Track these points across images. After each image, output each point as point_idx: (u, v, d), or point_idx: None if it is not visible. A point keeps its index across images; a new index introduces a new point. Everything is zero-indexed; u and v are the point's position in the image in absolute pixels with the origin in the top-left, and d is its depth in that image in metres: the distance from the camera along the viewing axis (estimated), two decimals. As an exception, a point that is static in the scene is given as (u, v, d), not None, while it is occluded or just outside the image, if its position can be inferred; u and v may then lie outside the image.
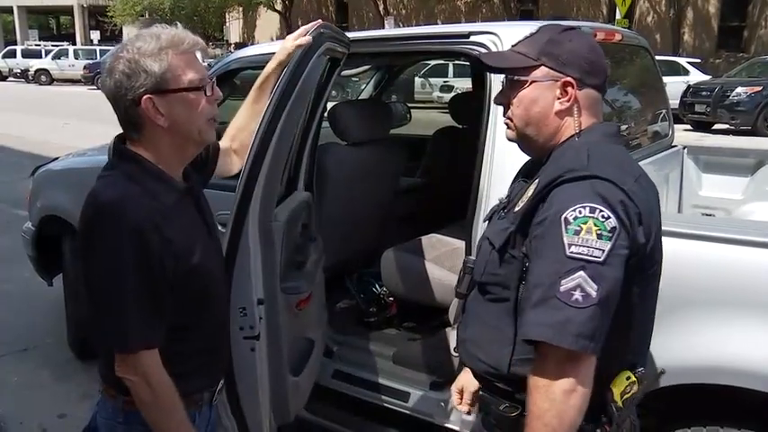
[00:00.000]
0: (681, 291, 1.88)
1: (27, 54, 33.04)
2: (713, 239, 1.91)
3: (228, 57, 3.34)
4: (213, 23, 38.67)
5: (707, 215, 3.45)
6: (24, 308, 4.63)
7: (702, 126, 15.40)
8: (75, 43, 37.96)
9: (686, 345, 1.90)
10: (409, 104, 3.06)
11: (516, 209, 1.40)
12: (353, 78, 11.02)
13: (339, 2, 34.18)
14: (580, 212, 1.22)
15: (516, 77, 1.43)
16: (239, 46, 31.23)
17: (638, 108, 3.45)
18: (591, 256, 1.21)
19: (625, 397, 1.38)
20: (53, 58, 31.55)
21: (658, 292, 1.44)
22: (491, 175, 2.24)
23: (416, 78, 20.12)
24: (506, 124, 1.49)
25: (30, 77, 30.95)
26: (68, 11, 45.28)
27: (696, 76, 17.08)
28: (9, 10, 44.30)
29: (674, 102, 14.72)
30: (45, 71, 31.06)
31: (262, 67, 3.30)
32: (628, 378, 1.39)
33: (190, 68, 1.46)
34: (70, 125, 15.13)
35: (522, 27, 2.30)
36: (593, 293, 1.20)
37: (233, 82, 3.33)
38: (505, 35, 2.30)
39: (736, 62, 20.12)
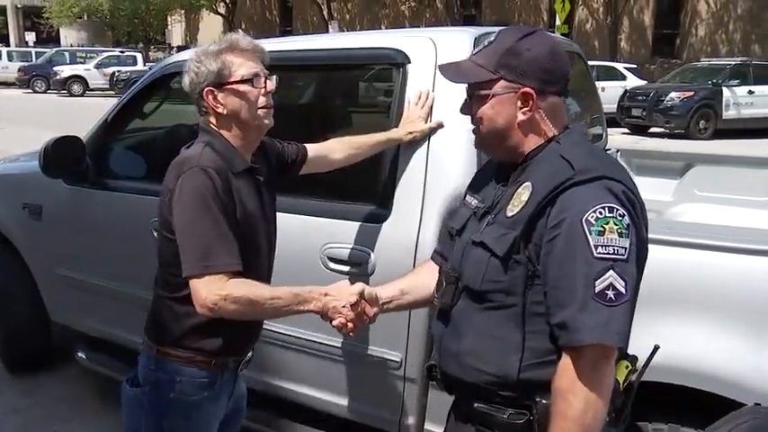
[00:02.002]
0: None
1: (-43, 55, 31.77)
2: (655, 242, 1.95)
3: (166, 60, 3.29)
4: (155, 26, 37.91)
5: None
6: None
7: (639, 130, 15.87)
8: (8, 45, 36.69)
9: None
10: (353, 109, 3.04)
11: (511, 213, 1.39)
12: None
13: (283, 6, 33.99)
14: (601, 213, 1.27)
15: (477, 92, 1.45)
16: (181, 49, 30.71)
17: (575, 112, 3.53)
18: (617, 254, 1.26)
19: (625, 385, 1.44)
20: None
21: None
22: (430, 182, 2.25)
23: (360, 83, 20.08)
24: (473, 132, 1.52)
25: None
26: (2, 11, 43.73)
27: (633, 82, 17.60)
28: None
29: (612, 106, 15.14)
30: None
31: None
32: (627, 367, 1.45)
33: (242, 66, 1.77)
34: (5, 129, 14.63)
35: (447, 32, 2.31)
36: (623, 290, 1.26)
37: (170, 86, 3.27)
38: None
39: (669, 68, 20.81)
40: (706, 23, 23.45)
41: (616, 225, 1.26)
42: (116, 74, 25.15)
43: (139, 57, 28.14)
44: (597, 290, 1.25)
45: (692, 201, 3.48)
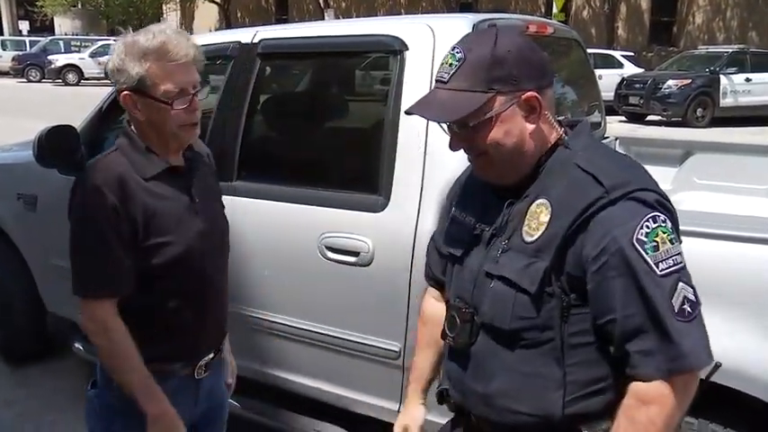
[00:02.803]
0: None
1: (-50, 44, 31.57)
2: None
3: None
4: (150, 15, 37.62)
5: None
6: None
7: (636, 117, 15.85)
8: (2, 33, 36.46)
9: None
10: (350, 98, 3.02)
11: (530, 239, 1.25)
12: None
13: (279, -6, 33.79)
14: (648, 227, 1.16)
15: (475, 121, 1.24)
16: (177, 38, 30.51)
17: (573, 99, 3.51)
18: (678, 264, 1.17)
19: None
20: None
21: None
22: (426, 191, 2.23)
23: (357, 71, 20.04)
24: (476, 161, 1.33)
25: (-45, 69, 29.57)
26: (-5, 0, 43.42)
27: (630, 69, 17.57)
28: None
29: (610, 94, 15.12)
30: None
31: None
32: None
33: (168, 80, 1.56)
34: (-2, 119, 14.55)
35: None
36: (694, 297, 1.18)
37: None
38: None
39: (666, 56, 20.77)
40: (703, 11, 23.39)
41: (665, 233, 1.17)
42: (111, 63, 24.98)
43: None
44: (677, 309, 1.15)
45: (692, 189, 3.46)
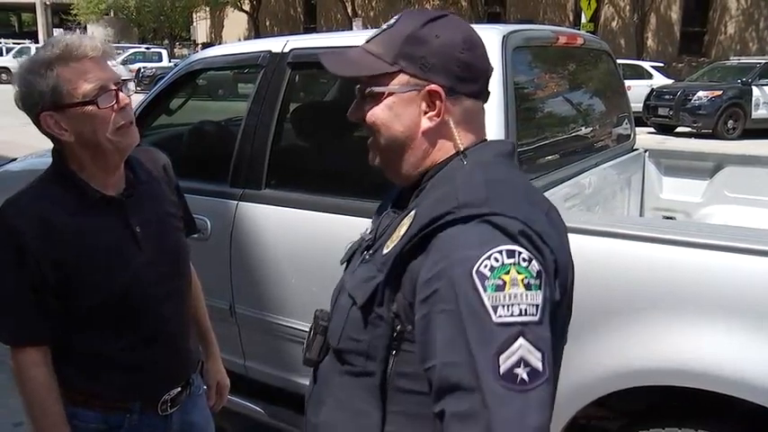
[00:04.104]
0: (644, 294, 1.90)
1: (-13, 52, 32.31)
2: (674, 243, 1.93)
3: (191, 57, 3.30)
4: (180, 23, 38.26)
5: (667, 218, 3.50)
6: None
7: (665, 129, 15.66)
8: (37, 41, 37.21)
9: (650, 347, 1.92)
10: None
11: (386, 251, 1.06)
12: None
13: (307, 3, 34.06)
14: (497, 260, 0.92)
15: (370, 90, 1.10)
16: (206, 46, 30.94)
17: (602, 111, 3.49)
18: (526, 314, 0.91)
19: None
20: (15, 56, 30.84)
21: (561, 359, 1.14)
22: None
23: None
24: (369, 144, 1.16)
25: (-10, 76, 30.24)
26: (31, 8, 44.36)
27: (659, 80, 17.38)
28: None
29: (638, 105, 14.96)
30: (6, 69, 30.30)
31: (225, 69, 3.31)
32: None
33: (82, 80, 1.42)
34: (29, 125, 14.80)
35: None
36: (539, 364, 0.90)
37: (195, 82, 3.29)
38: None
39: (697, 66, 20.51)
40: (735, 21, 23.07)
41: (520, 274, 0.91)
42: (141, 70, 25.38)
43: (164, 53, 28.40)
44: (503, 369, 0.88)
45: (723, 202, 3.42)
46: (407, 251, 1.01)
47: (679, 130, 15.60)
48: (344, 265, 1.26)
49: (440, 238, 0.98)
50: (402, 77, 1.08)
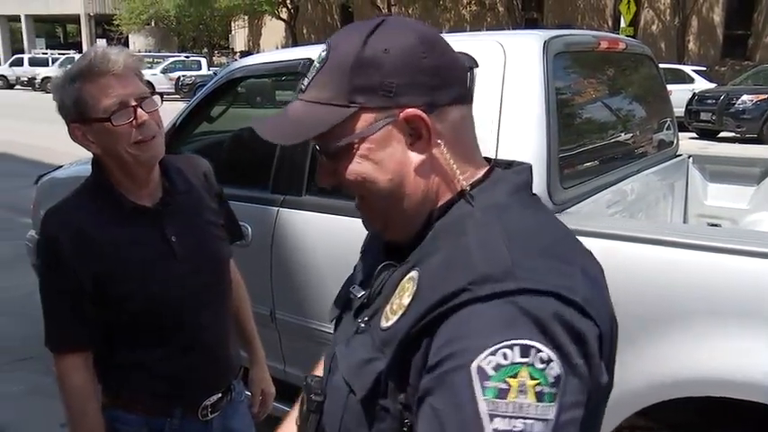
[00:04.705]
0: (688, 302, 1.86)
1: (34, 62, 33.24)
2: (719, 250, 1.89)
3: (232, 65, 3.35)
4: (219, 31, 38.86)
5: (712, 225, 3.43)
6: (27, 316, 4.63)
7: (708, 134, 15.37)
8: (81, 52, 38.11)
9: (693, 357, 1.88)
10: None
11: (385, 323, 0.85)
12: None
13: (344, 11, 34.28)
14: (505, 356, 0.71)
15: (334, 145, 0.87)
16: (244, 54, 31.34)
17: (643, 116, 3.44)
18: (530, 431, 0.70)
19: None
20: (60, 66, 31.63)
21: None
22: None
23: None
24: (356, 207, 0.94)
25: (36, 85, 31.03)
26: (75, 19, 45.51)
27: (701, 84, 17.07)
28: (17, 18, 44.62)
29: (680, 110, 14.70)
30: (52, 79, 31.19)
31: (265, 76, 3.34)
32: None
33: (104, 95, 1.45)
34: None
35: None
36: None
37: (236, 90, 3.33)
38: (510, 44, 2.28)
39: (741, 70, 20.10)
40: (780, 23, 22.58)
41: (533, 379, 0.70)
42: (181, 78, 25.82)
43: (204, 62, 28.85)
44: None
45: (771, 209, 3.34)
46: (416, 334, 0.79)
47: (722, 135, 15.29)
48: (333, 323, 1.06)
49: (451, 319, 0.76)
50: (366, 116, 0.85)
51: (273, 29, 36.67)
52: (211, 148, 3.51)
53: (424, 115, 0.84)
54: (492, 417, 0.70)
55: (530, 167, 0.94)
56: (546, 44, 2.26)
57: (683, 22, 23.27)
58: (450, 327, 0.75)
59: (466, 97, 0.89)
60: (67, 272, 1.49)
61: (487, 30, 21.43)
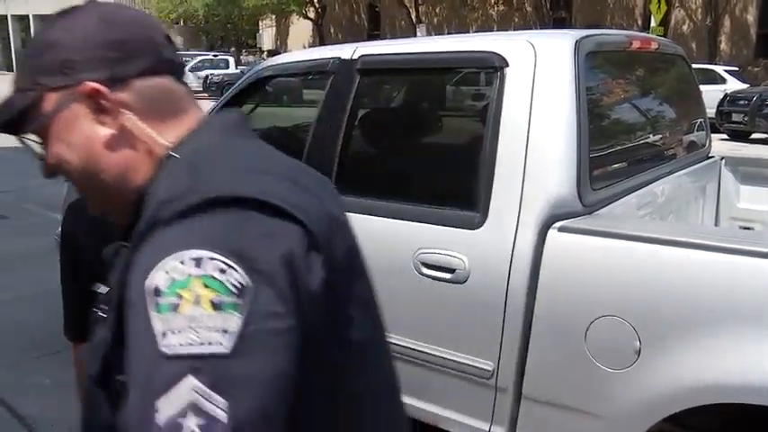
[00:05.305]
0: (718, 307, 1.83)
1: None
2: (751, 254, 1.85)
3: (261, 64, 3.37)
4: (246, 31, 39.16)
5: (745, 228, 3.37)
6: (57, 310, 4.70)
7: (740, 135, 15.12)
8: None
9: (724, 362, 1.85)
10: (448, 114, 3.04)
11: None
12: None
13: (371, 10, 34.30)
14: (177, 270, 0.68)
15: (30, 128, 0.89)
16: (272, 53, 31.55)
17: (674, 117, 3.40)
18: (205, 344, 0.65)
19: None
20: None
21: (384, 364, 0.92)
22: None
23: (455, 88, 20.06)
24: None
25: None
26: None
27: (733, 85, 16.78)
28: (25, 18, 45.11)
29: (711, 111, 14.40)
30: None
31: (293, 75, 3.36)
32: None
33: None
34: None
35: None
36: (223, 416, 0.64)
37: (265, 89, 3.35)
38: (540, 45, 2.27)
39: (774, 71, 19.74)
40: (816, 23, 22.14)
41: (208, 288, 0.67)
42: (209, 77, 26.03)
43: (231, 60, 29.07)
44: (163, 420, 0.63)
45: (805, 212, 3.27)
46: (122, 284, 0.76)
47: (755, 136, 15.04)
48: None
49: (137, 255, 0.74)
50: (52, 97, 0.85)
51: (301, 28, 36.83)
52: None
53: (102, 88, 0.84)
54: (165, 334, 0.66)
55: (239, 111, 0.99)
56: (577, 44, 2.24)
57: (714, 21, 22.92)
58: (139, 254, 0.74)
59: (159, 68, 0.89)
60: (82, 265, 1.56)
61: (515, 29, 21.28)
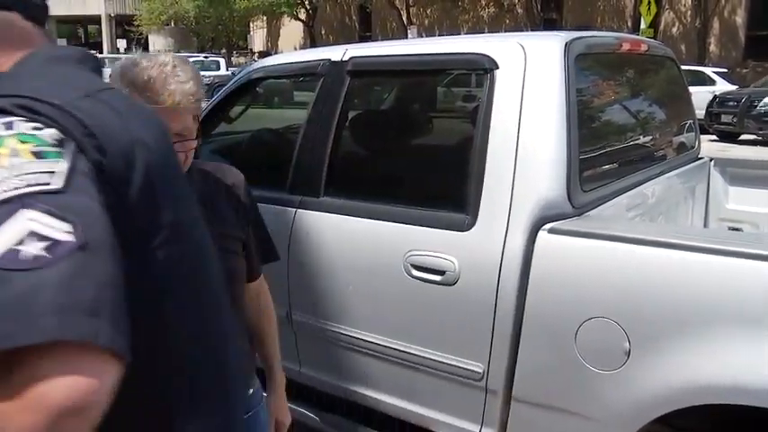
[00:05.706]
0: (707, 308, 1.83)
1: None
2: (740, 255, 1.85)
3: (251, 66, 3.36)
4: (237, 32, 39.04)
5: (733, 229, 3.38)
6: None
7: (729, 137, 15.20)
8: (102, 52, 38.47)
9: (713, 363, 1.85)
10: (437, 115, 3.04)
11: None
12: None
13: (362, 12, 34.31)
14: None
15: None
16: (263, 55, 31.50)
17: (664, 119, 3.41)
18: (36, 185, 0.69)
19: None
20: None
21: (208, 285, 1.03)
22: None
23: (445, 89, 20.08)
24: None
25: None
26: (97, 20, 45.90)
27: (722, 86, 16.88)
28: None
29: (700, 112, 14.51)
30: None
31: (284, 77, 3.35)
32: None
33: None
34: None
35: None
36: (68, 236, 0.67)
37: (255, 91, 3.34)
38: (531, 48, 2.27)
39: (763, 72, 19.83)
40: (804, 25, 22.28)
41: (25, 142, 0.72)
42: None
43: (222, 62, 28.94)
44: (2, 250, 0.65)
45: (793, 213, 3.29)
46: None
47: (743, 137, 15.12)
48: None
49: None
50: None
51: (292, 30, 36.78)
52: (230, 148, 3.52)
53: None
54: None
55: (81, 50, 1.00)
56: (567, 46, 2.24)
57: (704, 23, 23.04)
58: None
59: (7, 3, 0.92)
60: None
61: (506, 31, 21.35)
